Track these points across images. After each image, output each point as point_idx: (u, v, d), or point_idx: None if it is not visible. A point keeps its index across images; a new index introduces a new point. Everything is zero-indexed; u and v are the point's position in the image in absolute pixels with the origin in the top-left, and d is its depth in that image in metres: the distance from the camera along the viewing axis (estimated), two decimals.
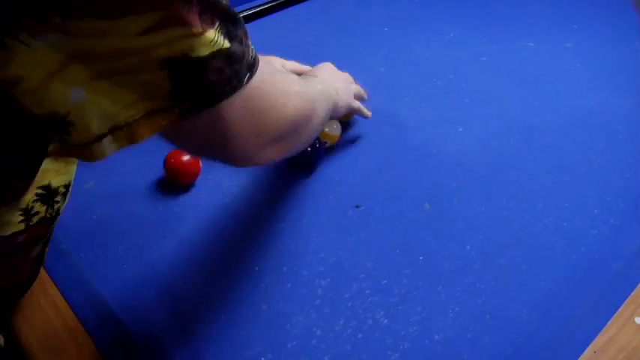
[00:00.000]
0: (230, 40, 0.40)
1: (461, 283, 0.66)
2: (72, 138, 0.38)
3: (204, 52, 0.38)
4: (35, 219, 0.52)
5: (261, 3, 1.17)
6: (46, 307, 0.62)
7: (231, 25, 0.41)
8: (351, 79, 0.84)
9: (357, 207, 0.76)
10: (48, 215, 0.53)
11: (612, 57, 1.07)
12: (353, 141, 0.86)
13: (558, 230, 0.73)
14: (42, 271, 0.65)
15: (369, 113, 0.84)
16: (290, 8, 1.20)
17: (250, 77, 0.44)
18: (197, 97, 0.40)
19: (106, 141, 0.39)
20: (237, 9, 1.16)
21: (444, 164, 0.83)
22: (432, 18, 1.19)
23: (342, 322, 0.62)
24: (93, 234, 0.71)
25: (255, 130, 0.48)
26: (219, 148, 0.48)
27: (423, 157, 0.84)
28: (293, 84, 0.55)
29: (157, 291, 0.65)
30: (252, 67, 0.44)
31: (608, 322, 0.61)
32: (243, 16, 1.12)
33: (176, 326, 0.62)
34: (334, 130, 0.83)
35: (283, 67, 0.86)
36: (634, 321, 0.61)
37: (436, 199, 0.77)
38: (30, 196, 0.50)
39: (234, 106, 0.44)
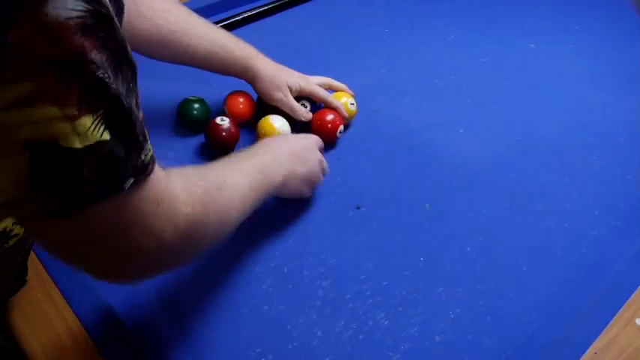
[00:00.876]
0: (112, 133, 0.34)
1: (461, 285, 0.66)
2: None
3: (79, 143, 0.32)
4: (12, 241, 0.51)
5: (262, 4, 1.17)
6: (47, 307, 0.62)
7: (119, 115, 0.35)
8: (320, 165, 0.72)
9: (358, 208, 0.76)
10: (26, 235, 0.52)
11: (613, 58, 1.07)
12: (353, 142, 0.86)
13: (559, 231, 0.73)
14: (43, 272, 0.65)
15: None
16: (291, 9, 1.20)
17: (135, 184, 0.37)
18: (63, 196, 0.34)
19: None
20: (238, 11, 1.17)
21: (444, 165, 0.83)
22: (433, 19, 1.19)
23: (342, 323, 0.62)
24: None
25: (121, 251, 0.41)
26: (83, 258, 0.42)
27: (424, 159, 0.84)
28: (185, 204, 0.45)
29: (157, 292, 0.65)
30: (139, 173, 0.38)
31: (609, 324, 0.61)
32: (244, 18, 1.13)
33: (177, 327, 0.62)
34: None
35: (307, 82, 0.85)
36: (635, 322, 0.61)
37: (437, 200, 0.77)
38: (8, 221, 0.49)
39: (105, 214, 0.37)
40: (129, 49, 0.36)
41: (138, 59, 0.38)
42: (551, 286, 0.66)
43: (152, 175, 0.40)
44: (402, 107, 0.94)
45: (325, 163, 0.73)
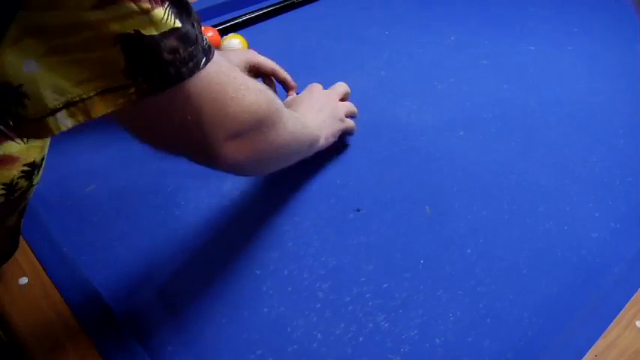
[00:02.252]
0: (181, 21, 0.40)
1: (462, 287, 0.66)
2: (27, 111, 0.38)
3: (156, 30, 0.38)
4: (17, 193, 0.53)
5: (262, 7, 1.17)
6: (46, 308, 0.62)
7: (181, 7, 0.41)
8: (335, 99, 0.83)
9: (358, 210, 0.76)
10: (26, 188, 0.55)
11: (613, 60, 1.07)
12: (353, 144, 0.86)
13: (559, 234, 0.73)
14: (42, 273, 0.65)
15: (354, 126, 0.85)
16: (291, 12, 1.20)
17: (207, 62, 0.44)
18: (153, 77, 0.40)
19: (61, 115, 0.39)
20: (239, 12, 1.17)
21: (445, 168, 0.83)
22: (433, 22, 1.19)
23: (342, 325, 0.62)
24: (94, 236, 0.71)
25: (213, 119, 0.47)
26: (177, 137, 0.47)
27: (424, 161, 0.84)
28: (254, 83, 0.53)
29: (157, 293, 0.65)
30: (207, 52, 0.44)
31: (609, 326, 0.61)
32: (245, 20, 1.13)
33: (176, 329, 0.62)
34: None
35: (254, 55, 0.87)
36: (635, 325, 0.61)
37: (437, 203, 0.77)
38: (15, 172, 0.52)
39: (192, 91, 0.43)
40: None
41: None
42: (551, 288, 0.66)
43: (217, 55, 0.45)
44: (402, 109, 0.94)
45: (345, 107, 0.82)
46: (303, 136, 0.67)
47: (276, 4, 1.18)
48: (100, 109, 0.39)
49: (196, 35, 0.42)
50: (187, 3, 0.42)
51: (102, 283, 0.65)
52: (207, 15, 1.14)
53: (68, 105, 0.39)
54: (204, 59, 0.43)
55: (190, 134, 0.47)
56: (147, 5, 0.37)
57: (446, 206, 0.76)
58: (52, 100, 0.38)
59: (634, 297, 0.64)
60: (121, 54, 0.38)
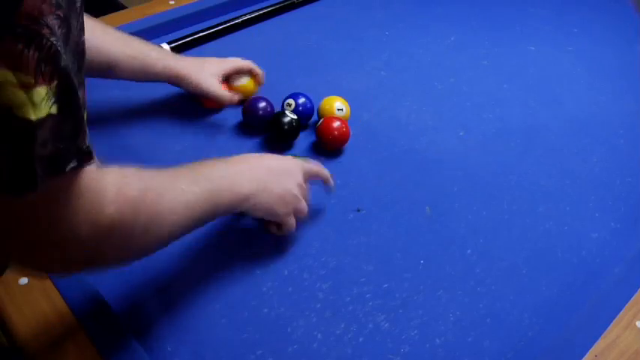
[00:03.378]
0: (59, 109, 0.32)
1: (462, 287, 0.66)
2: None
3: (33, 114, 0.30)
4: None
5: (262, 7, 1.17)
6: (46, 309, 0.62)
7: (68, 91, 0.33)
8: (300, 181, 0.66)
9: (358, 211, 0.76)
10: None
11: (613, 60, 1.07)
12: (354, 145, 0.86)
13: (559, 234, 0.73)
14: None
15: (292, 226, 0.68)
16: (291, 12, 1.20)
17: (74, 169, 0.36)
18: (16, 174, 0.32)
19: None
20: (238, 13, 1.17)
21: (445, 168, 0.83)
22: (433, 22, 1.19)
23: (343, 325, 0.62)
24: None
25: (48, 240, 0.40)
26: (13, 243, 0.40)
27: (424, 161, 0.84)
28: (110, 202, 0.43)
29: (157, 293, 0.65)
30: (82, 155, 0.36)
31: (609, 326, 0.61)
32: (245, 20, 1.13)
33: (176, 329, 0.62)
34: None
35: (225, 62, 0.87)
36: (635, 325, 0.61)
37: (437, 203, 0.77)
38: None
39: (43, 196, 0.35)
40: (76, 32, 0.34)
41: None
42: (551, 288, 0.66)
43: (90, 166, 0.38)
44: (402, 110, 0.94)
45: (306, 191, 0.67)
46: (206, 208, 0.56)
47: (276, 4, 1.18)
48: None
49: (76, 130, 0.34)
50: (76, 88, 0.34)
51: (102, 284, 0.65)
52: (207, 15, 1.14)
53: None
54: (73, 164, 0.35)
55: (17, 246, 0.40)
56: (29, 79, 0.29)
57: (446, 206, 0.76)
58: None
59: (634, 297, 0.64)
60: None
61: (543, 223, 0.74)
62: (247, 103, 0.87)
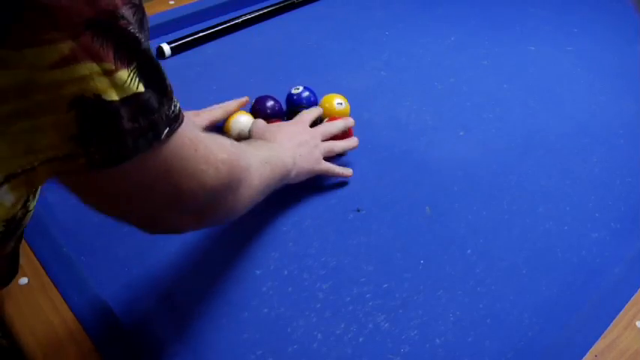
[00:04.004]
0: (146, 86, 0.36)
1: (462, 287, 0.66)
2: None
3: (117, 94, 0.34)
4: (14, 223, 0.51)
5: (262, 7, 1.17)
6: (46, 309, 0.62)
7: (150, 69, 0.37)
8: (318, 139, 0.76)
9: (358, 211, 0.76)
10: (21, 215, 0.53)
11: (613, 61, 1.07)
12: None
13: (559, 234, 0.73)
14: (42, 274, 0.65)
15: (342, 172, 0.78)
16: (291, 12, 1.20)
17: (170, 133, 0.39)
18: (107, 147, 0.36)
19: (2, 191, 0.36)
20: (238, 13, 1.17)
21: (445, 168, 0.83)
22: (433, 22, 1.19)
23: (342, 325, 0.62)
24: (94, 237, 0.71)
25: (167, 197, 0.44)
26: (131, 210, 0.44)
27: (424, 161, 0.84)
28: (220, 151, 0.48)
29: (157, 294, 0.65)
30: (172, 122, 0.40)
31: (609, 326, 0.61)
32: (245, 20, 1.13)
33: (177, 329, 0.62)
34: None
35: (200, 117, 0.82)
36: (635, 325, 0.61)
37: (437, 203, 0.77)
38: (18, 208, 0.50)
39: (149, 164, 0.39)
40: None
41: None
42: (551, 288, 0.66)
43: (183, 125, 0.41)
44: (402, 110, 0.94)
45: (318, 132, 0.77)
46: (271, 179, 0.63)
47: (276, 4, 1.18)
48: (44, 177, 0.36)
49: (162, 102, 0.38)
50: (158, 64, 0.38)
51: (102, 283, 0.65)
52: (207, 15, 1.14)
53: (9, 178, 0.35)
54: (166, 130, 0.39)
55: (144, 208, 0.44)
56: (110, 66, 0.33)
57: (446, 206, 0.76)
58: None
59: (634, 297, 0.64)
60: (74, 120, 0.34)
61: (543, 223, 0.74)
62: (256, 102, 0.87)
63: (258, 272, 0.68)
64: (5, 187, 0.35)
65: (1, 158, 0.34)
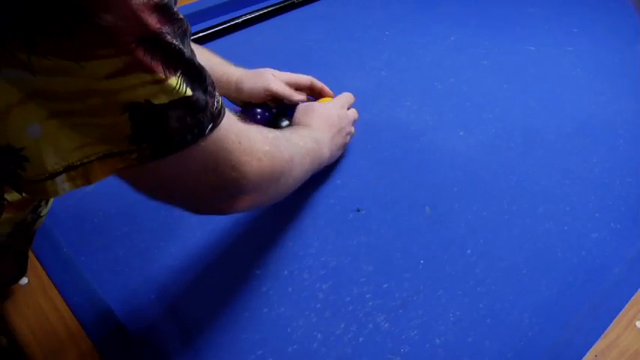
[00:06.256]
0: (192, 89, 0.40)
1: (462, 287, 0.66)
2: (26, 174, 0.38)
3: (166, 99, 0.38)
4: (23, 227, 0.54)
5: (262, 7, 1.17)
6: (47, 309, 0.62)
7: (194, 74, 0.41)
8: (345, 112, 0.82)
9: (358, 211, 0.76)
10: (32, 220, 0.55)
11: (613, 61, 1.07)
12: (354, 144, 0.86)
13: (559, 234, 0.73)
14: (42, 274, 0.65)
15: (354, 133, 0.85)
16: (291, 12, 1.20)
17: (213, 128, 0.43)
18: (157, 143, 0.40)
19: (60, 179, 0.39)
20: (238, 13, 1.17)
21: (445, 168, 0.83)
22: (433, 22, 1.19)
23: (342, 325, 0.62)
24: (94, 237, 0.71)
25: (212, 186, 0.47)
26: (179, 196, 0.48)
27: (424, 161, 0.84)
28: (263, 143, 0.52)
29: (157, 294, 0.65)
30: (216, 118, 0.43)
31: (609, 326, 0.61)
32: (244, 20, 1.13)
33: (177, 330, 0.62)
34: None
35: (274, 76, 0.84)
36: (635, 325, 0.61)
37: (437, 203, 0.77)
38: (27, 212, 0.53)
39: (195, 156, 0.43)
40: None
41: None
42: (551, 288, 0.66)
43: (226, 118, 0.45)
44: (402, 110, 0.94)
45: (345, 112, 0.81)
46: (311, 165, 0.67)
47: (276, 4, 1.18)
48: (100, 173, 0.39)
49: (207, 101, 0.42)
50: (201, 68, 0.41)
51: (102, 284, 0.65)
52: (207, 15, 1.15)
53: (68, 169, 0.38)
54: (210, 125, 0.43)
55: (191, 194, 0.48)
56: (161, 75, 0.37)
57: (446, 206, 0.76)
58: (52, 164, 0.37)
59: (634, 297, 0.64)
60: (128, 122, 0.38)
61: (543, 223, 0.74)
62: (244, 109, 0.86)
63: (257, 272, 0.68)
64: (63, 176, 0.38)
65: (62, 150, 0.37)
